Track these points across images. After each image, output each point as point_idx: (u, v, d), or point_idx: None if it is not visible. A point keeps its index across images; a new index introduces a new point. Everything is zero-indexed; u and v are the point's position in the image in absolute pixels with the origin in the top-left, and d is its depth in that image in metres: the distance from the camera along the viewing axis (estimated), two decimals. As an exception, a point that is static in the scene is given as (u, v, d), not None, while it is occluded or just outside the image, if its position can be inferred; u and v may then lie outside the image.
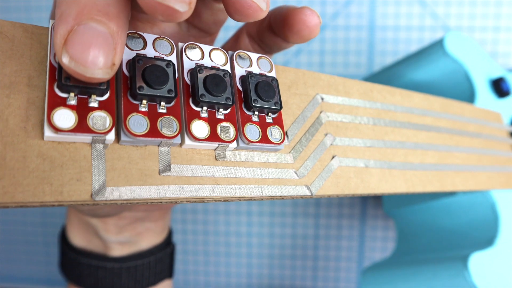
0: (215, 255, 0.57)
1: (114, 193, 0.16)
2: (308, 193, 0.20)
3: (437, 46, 0.34)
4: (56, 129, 0.15)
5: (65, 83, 0.15)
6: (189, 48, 0.19)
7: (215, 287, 0.58)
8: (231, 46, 0.26)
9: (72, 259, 0.33)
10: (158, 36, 0.18)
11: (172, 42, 0.18)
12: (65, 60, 0.14)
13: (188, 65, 0.18)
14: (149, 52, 0.18)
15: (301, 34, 0.20)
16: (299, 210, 0.55)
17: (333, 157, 0.22)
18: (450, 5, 0.50)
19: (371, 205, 0.54)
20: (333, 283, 0.57)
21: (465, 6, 0.50)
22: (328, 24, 0.52)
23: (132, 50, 0.17)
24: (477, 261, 0.27)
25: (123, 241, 0.33)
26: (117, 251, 0.33)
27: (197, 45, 0.19)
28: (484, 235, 0.30)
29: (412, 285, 0.30)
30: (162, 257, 0.35)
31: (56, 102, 0.15)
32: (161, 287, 0.36)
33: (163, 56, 0.18)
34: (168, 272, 0.36)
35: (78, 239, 0.33)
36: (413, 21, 0.51)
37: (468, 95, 0.33)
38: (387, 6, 0.51)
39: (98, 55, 0.14)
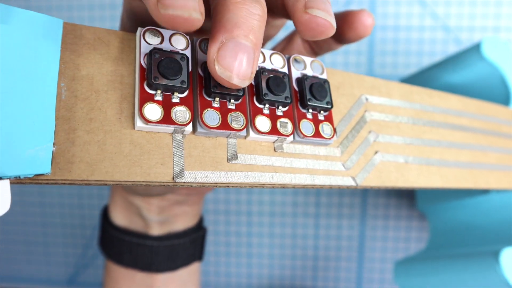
0: (215, 255, 0.60)
1: (191, 177, 0.20)
2: (354, 184, 0.24)
3: (474, 50, 0.37)
4: (147, 121, 0.19)
5: (155, 81, 0.19)
6: None
7: (215, 287, 0.61)
8: (284, 46, 0.30)
9: (114, 236, 0.37)
10: None
11: None
12: (217, 69, 0.18)
13: None
14: None
15: (357, 31, 0.25)
16: (299, 210, 0.58)
17: (376, 152, 0.25)
18: (450, 5, 0.52)
19: (371, 205, 0.57)
20: (333, 283, 0.59)
21: (465, 6, 0.52)
22: None
23: (206, 54, 0.21)
24: (509, 255, 0.30)
25: (162, 221, 0.37)
26: (156, 230, 0.37)
27: (261, 52, 0.23)
28: (516, 233, 0.33)
29: (443, 278, 0.34)
30: (195, 239, 0.39)
31: (146, 98, 0.19)
32: (192, 269, 0.40)
33: None
34: (199, 254, 0.40)
35: (120, 218, 0.38)
36: (413, 21, 0.53)
37: (503, 98, 0.37)
38: (387, 6, 0.53)
39: (240, 69, 0.18)
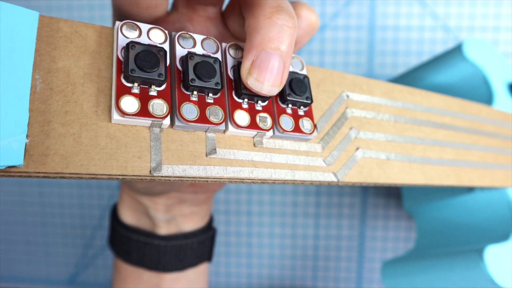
0: (215, 255, 0.59)
1: (169, 170, 0.20)
2: (335, 179, 0.24)
3: (456, 51, 0.37)
4: (123, 113, 0.18)
5: (131, 74, 0.19)
6: (232, 48, 0.23)
7: (215, 287, 0.60)
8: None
9: (122, 235, 0.37)
10: (205, 36, 0.22)
11: (218, 42, 0.22)
12: (249, 81, 0.20)
13: (230, 61, 0.22)
14: (198, 50, 0.22)
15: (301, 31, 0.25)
16: (299, 210, 0.58)
17: (357, 149, 0.25)
18: (450, 5, 0.52)
19: (371, 205, 0.57)
20: (333, 283, 0.59)
21: (465, 6, 0.52)
22: (328, 24, 0.54)
23: (184, 48, 0.21)
24: (493, 253, 0.30)
25: (170, 220, 0.37)
26: (164, 229, 0.37)
27: (240, 46, 0.23)
28: (500, 230, 0.33)
29: (429, 277, 0.33)
30: (204, 240, 0.39)
31: (123, 90, 0.19)
32: (200, 270, 0.40)
33: (210, 54, 0.22)
34: (207, 255, 0.40)
35: (129, 217, 0.38)
36: (413, 21, 0.53)
37: (486, 98, 0.36)
38: (387, 6, 0.53)
39: (271, 77, 0.20)
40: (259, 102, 0.22)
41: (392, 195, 0.56)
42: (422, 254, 0.37)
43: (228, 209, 0.58)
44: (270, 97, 0.22)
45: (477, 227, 0.36)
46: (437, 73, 0.39)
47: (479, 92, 0.37)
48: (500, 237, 0.32)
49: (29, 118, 0.17)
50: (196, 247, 0.38)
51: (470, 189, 0.37)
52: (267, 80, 0.20)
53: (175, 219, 0.37)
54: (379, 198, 0.56)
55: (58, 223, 0.61)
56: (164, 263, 0.37)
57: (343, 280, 0.59)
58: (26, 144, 0.17)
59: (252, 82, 0.20)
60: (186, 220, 0.38)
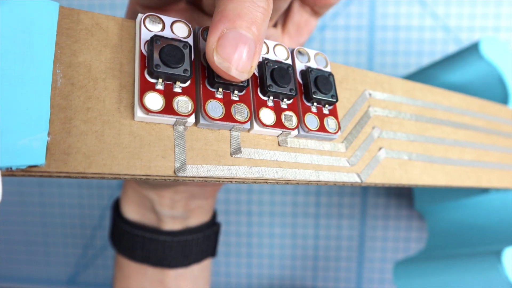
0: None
1: (193, 171, 0.19)
2: (358, 180, 0.23)
3: (472, 49, 0.36)
4: (147, 111, 0.17)
5: (156, 69, 0.17)
6: None
7: (215, 287, 0.59)
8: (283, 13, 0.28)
9: (126, 231, 0.35)
10: None
11: None
12: (215, 59, 0.17)
13: None
14: None
15: None
16: (299, 210, 0.57)
17: (380, 149, 0.24)
18: (450, 5, 0.51)
19: (371, 205, 0.56)
20: (333, 283, 0.58)
21: (465, 6, 0.51)
22: (328, 24, 0.53)
23: None
24: (511, 255, 0.29)
25: (176, 215, 0.35)
26: (169, 225, 0.36)
27: (264, 42, 0.22)
28: (517, 233, 0.32)
29: (444, 278, 0.32)
30: (209, 235, 0.37)
31: (147, 87, 0.18)
32: (203, 265, 0.38)
33: None
34: (212, 250, 0.39)
35: (133, 213, 0.36)
36: (413, 21, 0.52)
37: (501, 97, 0.36)
38: (387, 6, 0.52)
39: (241, 58, 0.17)
40: (285, 100, 0.21)
41: (392, 195, 0.55)
42: (434, 254, 0.36)
43: (228, 209, 0.57)
44: (295, 95, 0.21)
45: (492, 229, 0.35)
46: (451, 71, 0.38)
47: (494, 91, 0.36)
48: (517, 239, 0.31)
49: (50, 115, 0.16)
50: (202, 242, 0.37)
51: (484, 190, 0.36)
52: (234, 64, 0.17)
53: (181, 214, 0.36)
54: (379, 198, 0.56)
55: (58, 223, 0.60)
56: (169, 259, 0.36)
57: (343, 280, 0.58)
58: (47, 142, 0.16)
59: (220, 63, 0.17)
60: (191, 214, 0.36)
